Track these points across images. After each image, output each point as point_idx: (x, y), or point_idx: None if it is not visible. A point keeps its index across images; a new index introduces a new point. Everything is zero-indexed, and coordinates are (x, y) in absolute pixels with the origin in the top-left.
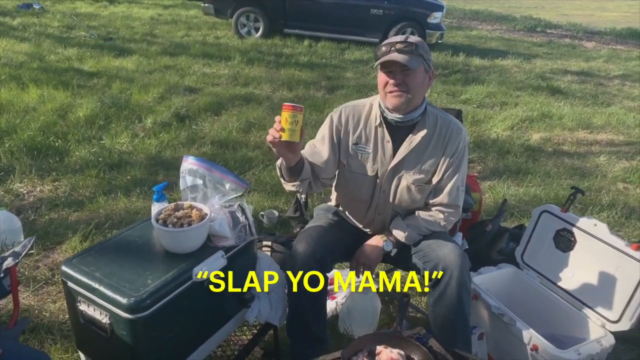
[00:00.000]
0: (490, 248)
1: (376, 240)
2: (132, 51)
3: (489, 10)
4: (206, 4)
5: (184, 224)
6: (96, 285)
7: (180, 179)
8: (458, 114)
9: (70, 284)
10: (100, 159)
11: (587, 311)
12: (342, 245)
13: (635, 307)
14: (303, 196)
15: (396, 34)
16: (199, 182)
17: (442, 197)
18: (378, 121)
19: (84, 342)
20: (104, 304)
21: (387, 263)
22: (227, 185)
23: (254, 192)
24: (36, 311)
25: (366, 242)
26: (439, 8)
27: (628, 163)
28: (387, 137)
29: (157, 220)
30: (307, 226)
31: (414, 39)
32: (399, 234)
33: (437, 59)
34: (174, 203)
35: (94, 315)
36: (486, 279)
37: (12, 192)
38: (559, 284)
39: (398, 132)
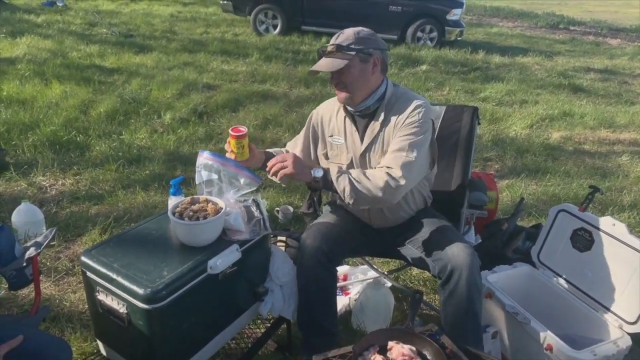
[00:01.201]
0: (506, 247)
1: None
2: (152, 48)
3: (510, 7)
4: (225, 1)
5: (200, 217)
6: (114, 276)
7: (196, 173)
8: (474, 112)
9: (89, 274)
10: (119, 153)
11: (603, 312)
12: (351, 239)
13: None
14: (317, 193)
15: (415, 31)
16: (214, 176)
17: (387, 159)
18: (344, 113)
19: (102, 331)
20: (122, 294)
21: (400, 260)
22: (242, 180)
23: (270, 188)
24: (57, 301)
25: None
26: (459, 5)
27: None
28: (353, 127)
29: (173, 214)
30: (315, 221)
31: (342, 37)
32: (333, 168)
33: (456, 56)
34: (190, 197)
35: (112, 305)
36: (501, 278)
37: (35, 185)
38: (575, 283)
39: (362, 121)
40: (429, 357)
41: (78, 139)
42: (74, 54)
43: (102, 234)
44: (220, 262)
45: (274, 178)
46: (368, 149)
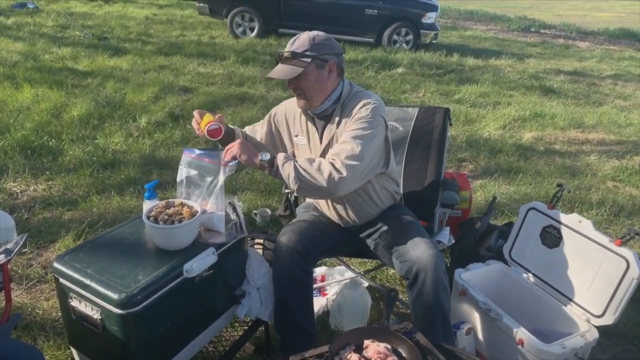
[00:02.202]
0: (479, 245)
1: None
2: (126, 51)
3: (483, 10)
4: (201, 4)
5: (175, 221)
6: (88, 282)
7: (179, 171)
8: (446, 113)
9: (62, 280)
10: (94, 158)
11: (572, 306)
12: (326, 239)
13: (619, 302)
14: (293, 195)
15: (391, 34)
16: (194, 172)
17: (333, 151)
18: (305, 116)
19: (76, 338)
20: (96, 300)
21: (375, 259)
22: (220, 170)
23: (247, 191)
24: (29, 309)
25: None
26: (434, 8)
27: (618, 162)
28: (314, 127)
29: (148, 218)
30: (289, 224)
31: (298, 42)
32: (280, 154)
33: (431, 58)
34: (165, 201)
35: (86, 311)
36: (475, 275)
37: (5, 191)
38: (545, 279)
39: (320, 122)
40: (404, 355)
41: (50, 143)
42: (45, 57)
43: (76, 239)
44: (196, 266)
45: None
46: (326, 149)
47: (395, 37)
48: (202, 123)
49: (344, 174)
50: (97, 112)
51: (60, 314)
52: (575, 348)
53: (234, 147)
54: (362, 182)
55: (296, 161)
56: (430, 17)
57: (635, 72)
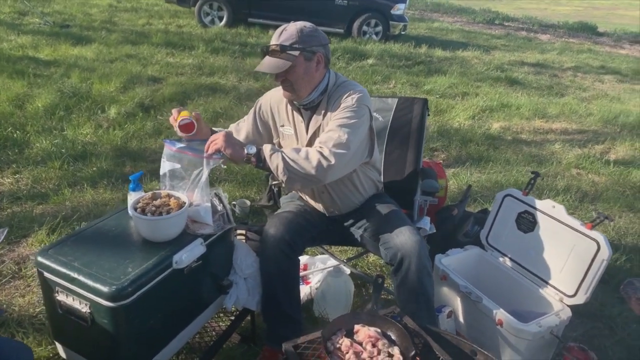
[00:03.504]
0: (457, 231)
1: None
2: (91, 39)
3: (449, 2)
4: None
5: (163, 212)
6: (75, 275)
7: (161, 164)
8: (424, 103)
9: (46, 274)
10: (62, 150)
11: (546, 287)
12: (312, 228)
13: (590, 282)
14: (275, 183)
15: (360, 25)
16: (177, 166)
17: (320, 139)
18: (290, 106)
19: (61, 333)
20: (84, 293)
21: (358, 247)
22: (204, 163)
23: (225, 182)
24: (4, 305)
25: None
26: (402, 0)
27: (581, 150)
28: (300, 118)
29: (135, 209)
30: (275, 212)
31: (285, 34)
32: (267, 146)
33: (400, 50)
34: (151, 192)
35: (73, 305)
36: (454, 261)
37: None
38: (521, 262)
39: (307, 112)
40: (393, 337)
41: (15, 135)
42: (4, 45)
43: (50, 234)
44: (186, 257)
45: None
46: (312, 139)
47: (365, 28)
48: (178, 119)
49: (333, 161)
50: (63, 103)
51: (38, 310)
52: (551, 326)
53: (218, 140)
54: (348, 170)
55: (283, 152)
56: (399, 9)
57: (593, 64)
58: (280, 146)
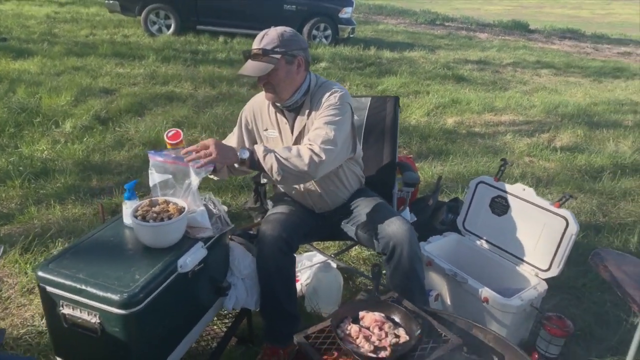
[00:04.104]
0: (434, 220)
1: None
2: (32, 52)
3: (391, 5)
4: (111, 1)
5: (164, 218)
6: (82, 286)
7: (149, 175)
8: (396, 101)
9: (49, 288)
10: (20, 168)
11: (522, 264)
12: (304, 225)
13: (561, 256)
14: (264, 180)
15: (310, 29)
16: (169, 176)
17: (309, 136)
18: (274, 109)
19: (65, 348)
20: (93, 304)
21: (347, 241)
22: (192, 172)
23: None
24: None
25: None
26: (349, 3)
27: (529, 139)
28: (284, 120)
29: (135, 217)
30: (269, 213)
31: (267, 39)
32: (259, 148)
33: (351, 52)
34: (148, 199)
35: (81, 317)
36: (435, 247)
37: None
38: (497, 244)
39: (291, 114)
40: (397, 320)
41: None
42: None
43: (24, 253)
44: (190, 260)
45: (194, 166)
46: (298, 139)
47: (314, 32)
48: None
49: (323, 157)
50: (12, 119)
51: (23, 331)
52: (531, 299)
53: (210, 150)
54: (335, 166)
55: (276, 152)
56: (346, 12)
57: (529, 59)
58: None
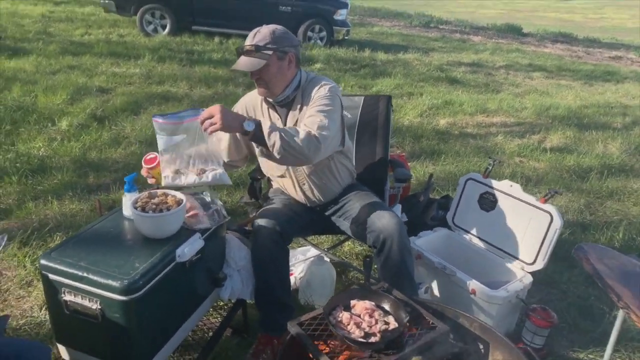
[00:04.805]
0: (424, 216)
1: (242, 117)
2: (27, 51)
3: (386, 7)
4: (107, 1)
5: (163, 209)
6: (84, 274)
7: (158, 140)
8: (388, 100)
9: (52, 276)
10: (17, 164)
11: (509, 258)
12: (299, 219)
13: (546, 250)
14: (257, 179)
15: (305, 30)
16: (177, 138)
17: (304, 123)
18: (266, 105)
19: (67, 334)
20: (94, 290)
21: (340, 235)
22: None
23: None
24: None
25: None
26: (344, 5)
27: (520, 140)
28: (276, 115)
29: (135, 208)
30: (263, 207)
31: (259, 36)
32: (266, 122)
33: (345, 54)
34: (147, 192)
35: (83, 303)
36: (426, 241)
37: None
38: (485, 238)
39: (283, 110)
40: (387, 308)
41: None
42: None
43: (22, 247)
44: (188, 250)
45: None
46: None
47: (309, 33)
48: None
49: (321, 143)
50: (8, 117)
51: (22, 322)
52: (517, 291)
53: (215, 119)
54: (328, 154)
55: (281, 131)
56: (341, 14)
57: (522, 62)
58: (257, 146)
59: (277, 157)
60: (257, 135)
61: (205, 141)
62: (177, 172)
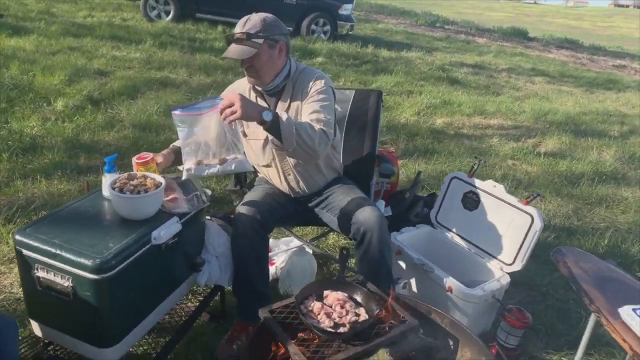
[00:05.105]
0: (409, 212)
1: (261, 107)
2: (28, 30)
3: (392, 5)
4: None
5: (141, 191)
6: (57, 251)
7: (178, 133)
8: (379, 95)
9: (25, 252)
10: (9, 142)
11: (488, 258)
12: (280, 209)
13: (525, 251)
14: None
15: (309, 24)
16: (199, 129)
17: (312, 117)
18: (254, 93)
19: (39, 310)
20: (66, 268)
21: (322, 226)
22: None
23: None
24: None
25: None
26: (349, 0)
27: (515, 144)
28: (265, 103)
29: (113, 189)
30: (246, 196)
31: (250, 24)
32: (283, 115)
33: (348, 49)
34: (127, 173)
35: (55, 280)
36: (407, 237)
37: None
38: (467, 237)
39: (272, 99)
40: (359, 300)
41: None
42: None
43: (6, 224)
44: (164, 233)
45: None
46: None
47: (313, 27)
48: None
49: (329, 139)
50: (4, 95)
51: (0, 297)
52: (493, 290)
53: (235, 106)
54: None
55: (296, 124)
56: (346, 9)
57: (525, 66)
58: (245, 134)
59: (289, 149)
60: (273, 126)
61: (224, 129)
62: (200, 164)
